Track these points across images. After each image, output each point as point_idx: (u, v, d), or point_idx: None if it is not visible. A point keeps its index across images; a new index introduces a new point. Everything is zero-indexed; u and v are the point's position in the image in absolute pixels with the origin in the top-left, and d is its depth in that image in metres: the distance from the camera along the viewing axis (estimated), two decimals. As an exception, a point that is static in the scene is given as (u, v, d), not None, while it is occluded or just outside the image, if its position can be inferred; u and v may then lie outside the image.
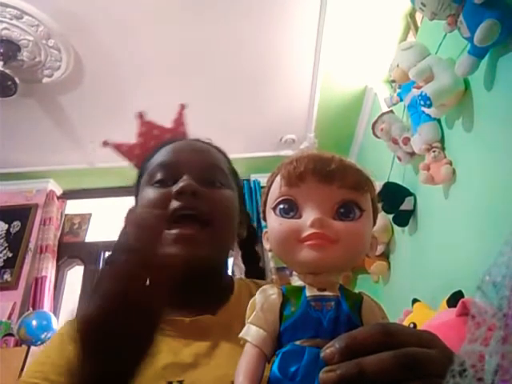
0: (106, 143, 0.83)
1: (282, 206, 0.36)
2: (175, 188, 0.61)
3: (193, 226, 0.59)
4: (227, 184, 0.68)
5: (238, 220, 0.70)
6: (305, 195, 0.36)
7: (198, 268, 0.59)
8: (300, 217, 0.35)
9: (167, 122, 0.90)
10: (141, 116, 0.85)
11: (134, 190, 0.74)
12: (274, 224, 0.36)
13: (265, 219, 0.39)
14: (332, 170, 0.35)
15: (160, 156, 0.69)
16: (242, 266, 0.83)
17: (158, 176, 0.66)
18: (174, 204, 0.60)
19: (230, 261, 1.21)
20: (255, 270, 0.82)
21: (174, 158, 0.68)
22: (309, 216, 0.35)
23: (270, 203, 0.38)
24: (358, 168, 0.37)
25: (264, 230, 0.39)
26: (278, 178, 0.37)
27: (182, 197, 0.60)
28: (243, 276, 0.80)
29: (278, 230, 0.36)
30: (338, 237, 0.34)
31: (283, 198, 0.36)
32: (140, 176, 0.73)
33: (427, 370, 0.28)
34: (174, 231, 0.59)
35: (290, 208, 0.36)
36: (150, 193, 0.64)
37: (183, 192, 0.60)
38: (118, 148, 0.82)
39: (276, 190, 0.37)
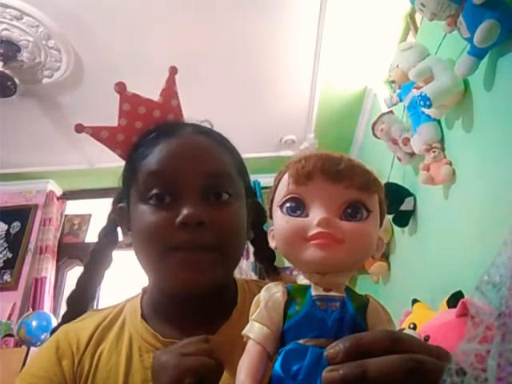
0: (80, 128, 0.63)
1: (288, 205, 0.36)
2: (178, 218, 0.53)
3: (199, 253, 0.54)
4: (235, 192, 0.59)
5: (246, 226, 0.63)
6: (312, 194, 0.35)
7: (205, 293, 0.55)
8: (307, 215, 0.35)
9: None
10: (122, 89, 0.63)
11: (122, 189, 0.65)
12: (280, 222, 0.36)
13: (271, 217, 0.39)
14: (340, 170, 0.35)
15: (155, 160, 0.58)
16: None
17: (154, 190, 0.56)
18: (178, 237, 0.53)
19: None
20: (265, 251, 0.73)
21: (172, 168, 0.57)
22: (316, 215, 0.34)
23: (277, 201, 0.37)
24: (367, 168, 0.37)
25: (270, 228, 0.39)
26: (286, 176, 0.37)
27: (187, 228, 0.53)
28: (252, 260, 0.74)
29: (284, 228, 0.35)
30: (345, 237, 0.34)
31: (290, 196, 0.36)
32: (129, 176, 0.62)
33: (434, 378, 0.26)
34: (179, 256, 0.53)
35: (297, 206, 0.36)
36: (147, 215, 0.56)
37: (188, 223, 0.53)
38: (96, 134, 0.64)
39: (283, 187, 0.37)
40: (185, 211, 0.53)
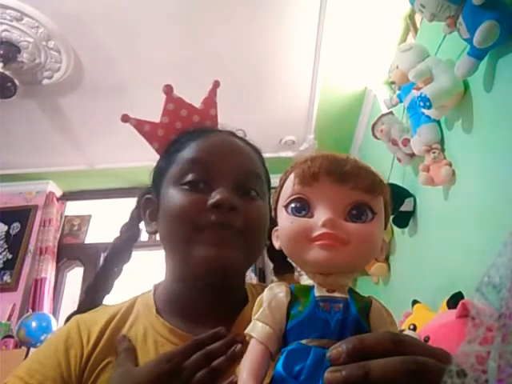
0: (126, 118, 0.69)
1: (294, 205, 0.36)
2: (211, 199, 0.56)
3: (227, 232, 0.56)
4: (262, 193, 0.63)
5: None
6: (318, 195, 0.35)
7: (229, 274, 0.56)
8: (312, 216, 0.35)
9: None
10: (169, 90, 0.70)
11: (152, 182, 0.68)
12: (285, 222, 0.36)
13: (276, 217, 0.39)
14: (346, 171, 0.35)
15: (193, 150, 0.62)
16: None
17: (190, 176, 0.59)
18: (209, 217, 0.56)
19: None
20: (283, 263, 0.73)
21: (210, 157, 0.61)
22: (321, 216, 0.34)
23: (282, 201, 0.37)
24: (373, 170, 0.37)
25: (274, 228, 0.39)
26: (292, 176, 0.37)
27: (219, 210, 0.55)
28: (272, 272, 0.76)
29: (289, 228, 0.36)
30: (349, 238, 0.34)
31: (296, 196, 0.36)
32: (163, 168, 0.65)
33: (435, 380, 0.26)
34: (206, 234, 0.55)
35: (302, 207, 0.36)
36: (179, 197, 0.58)
37: (220, 206, 0.55)
38: (140, 126, 0.69)
39: (289, 188, 0.37)
40: (218, 195, 0.56)
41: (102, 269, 0.72)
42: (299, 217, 0.36)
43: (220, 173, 0.59)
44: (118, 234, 0.74)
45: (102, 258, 3.08)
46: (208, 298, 0.60)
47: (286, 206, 0.37)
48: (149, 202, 0.68)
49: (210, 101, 0.74)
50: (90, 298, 0.69)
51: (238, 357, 0.44)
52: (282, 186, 0.39)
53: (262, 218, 0.61)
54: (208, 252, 0.55)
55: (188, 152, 0.62)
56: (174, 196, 0.59)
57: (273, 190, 0.41)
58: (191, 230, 0.56)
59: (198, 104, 0.73)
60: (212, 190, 0.58)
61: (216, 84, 0.75)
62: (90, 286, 0.71)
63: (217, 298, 0.60)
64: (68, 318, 0.64)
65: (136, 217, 0.73)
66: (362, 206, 0.35)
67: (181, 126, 0.70)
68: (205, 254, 0.55)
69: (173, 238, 0.60)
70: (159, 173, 0.66)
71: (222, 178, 0.59)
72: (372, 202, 0.36)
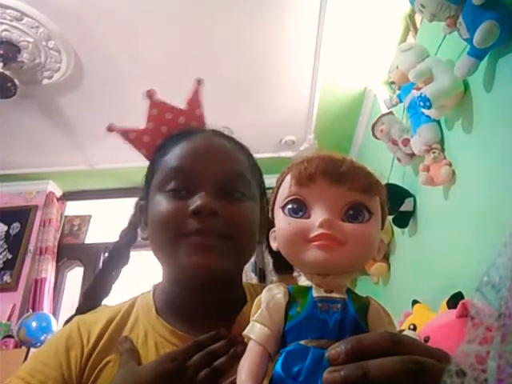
0: (111, 128, 0.70)
1: (290, 206, 0.36)
2: (192, 205, 0.56)
3: (211, 238, 0.56)
4: (249, 193, 0.62)
5: (259, 229, 0.64)
6: (314, 196, 0.36)
7: (216, 280, 0.56)
8: (309, 217, 0.35)
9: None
10: (151, 95, 0.70)
11: (143, 188, 0.68)
12: (282, 223, 0.36)
13: (273, 218, 0.39)
14: (343, 172, 0.35)
15: (175, 157, 0.62)
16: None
17: (172, 184, 0.59)
18: (191, 224, 0.55)
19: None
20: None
21: (190, 164, 0.60)
22: (317, 216, 0.35)
23: (279, 202, 0.38)
24: (369, 171, 0.37)
25: (271, 230, 0.39)
26: (288, 178, 0.37)
27: (200, 216, 0.55)
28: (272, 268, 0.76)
29: (286, 230, 0.36)
30: (346, 239, 0.34)
31: (292, 197, 0.36)
32: (151, 173, 0.66)
33: (434, 380, 0.26)
34: (192, 239, 0.55)
35: (299, 208, 0.36)
36: (163, 204, 0.59)
37: (201, 212, 0.55)
38: (125, 134, 0.70)
39: (285, 189, 0.37)
40: (198, 201, 0.56)
41: (100, 272, 0.73)
42: (296, 218, 0.36)
43: (202, 178, 0.59)
44: (117, 239, 0.75)
45: (101, 259, 3.09)
46: (203, 298, 0.60)
47: (283, 207, 0.37)
48: (142, 208, 0.69)
49: (195, 101, 0.73)
50: (89, 301, 0.70)
51: (239, 357, 0.44)
52: (278, 188, 0.39)
53: (249, 219, 0.61)
54: (192, 258, 0.54)
55: (170, 158, 0.62)
56: (159, 203, 0.60)
57: (271, 191, 0.41)
58: (176, 237, 0.56)
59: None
60: (194, 194, 0.58)
61: (199, 84, 0.74)
62: (88, 289, 0.72)
63: (212, 298, 0.60)
64: (67, 321, 0.65)
65: (133, 222, 0.74)
66: (358, 207, 0.35)
67: (166, 129, 0.70)
68: (189, 261, 0.54)
69: (159, 244, 0.60)
70: (148, 179, 0.67)
71: (204, 182, 0.58)
72: (368, 202, 0.36)
